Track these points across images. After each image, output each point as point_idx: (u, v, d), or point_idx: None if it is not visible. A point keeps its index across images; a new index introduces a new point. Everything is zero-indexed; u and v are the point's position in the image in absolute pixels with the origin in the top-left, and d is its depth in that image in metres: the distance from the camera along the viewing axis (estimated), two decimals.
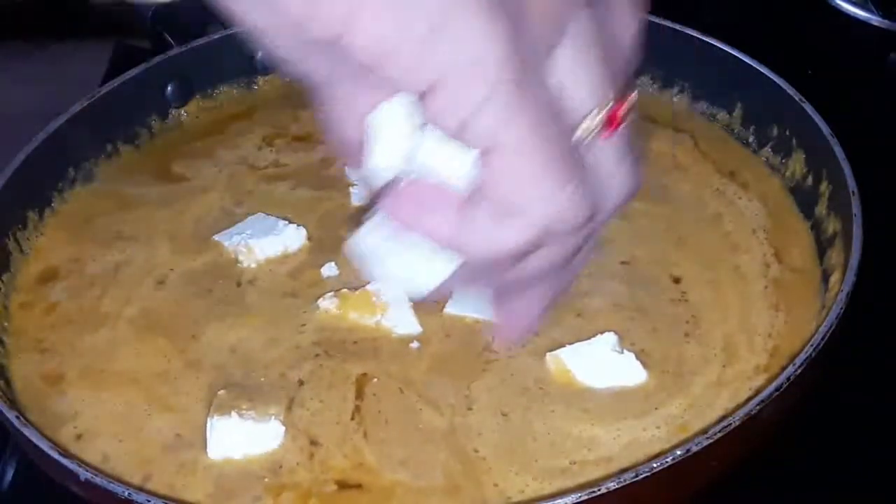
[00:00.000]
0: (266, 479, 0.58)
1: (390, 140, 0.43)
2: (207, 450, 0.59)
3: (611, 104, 0.44)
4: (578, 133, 0.43)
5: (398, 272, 0.47)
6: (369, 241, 0.46)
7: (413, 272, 0.46)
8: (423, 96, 0.41)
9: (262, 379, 0.63)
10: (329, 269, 0.70)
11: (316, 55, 0.42)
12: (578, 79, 0.43)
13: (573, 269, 0.49)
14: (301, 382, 0.63)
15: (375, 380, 0.63)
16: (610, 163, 0.45)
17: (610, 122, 0.44)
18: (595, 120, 0.43)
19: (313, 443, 0.59)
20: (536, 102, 0.41)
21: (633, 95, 0.45)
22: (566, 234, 0.44)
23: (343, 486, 0.57)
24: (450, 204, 0.43)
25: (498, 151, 0.41)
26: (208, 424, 0.59)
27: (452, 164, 0.43)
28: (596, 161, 0.44)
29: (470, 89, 0.40)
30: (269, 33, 0.42)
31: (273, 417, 0.60)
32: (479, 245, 0.43)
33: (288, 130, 0.85)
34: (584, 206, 0.43)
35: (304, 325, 0.67)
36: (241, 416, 0.59)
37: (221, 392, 0.61)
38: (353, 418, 0.61)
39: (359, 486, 0.57)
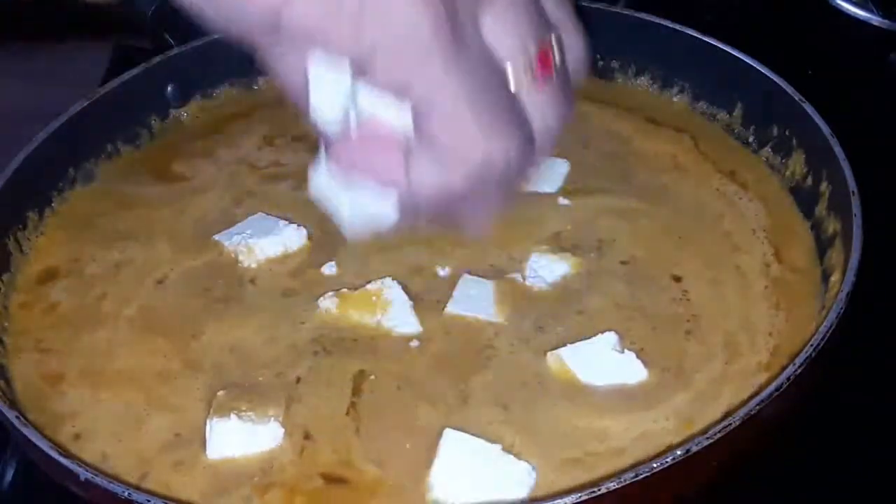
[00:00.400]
0: (256, 479, 0.58)
1: (328, 92, 0.47)
2: (206, 451, 0.59)
3: (534, 55, 0.48)
4: (512, 85, 0.47)
5: (352, 211, 0.50)
6: (324, 183, 0.51)
7: (365, 210, 0.50)
8: (361, 64, 0.45)
9: (261, 378, 0.63)
10: (329, 269, 0.70)
11: (253, 28, 0.46)
12: (501, 35, 0.46)
13: (517, 185, 0.53)
14: (298, 379, 0.63)
15: (373, 377, 0.63)
16: (546, 103, 0.49)
17: (542, 69, 0.48)
18: (522, 71, 0.47)
19: (307, 437, 0.59)
20: (469, 63, 0.45)
21: (553, 41, 0.49)
22: (505, 173, 0.48)
23: (329, 480, 0.57)
24: (396, 149, 0.47)
25: (436, 111, 0.45)
26: (207, 426, 0.59)
27: (391, 113, 0.46)
28: (533, 103, 0.48)
29: (404, 57, 0.44)
30: (205, 12, 0.46)
31: (272, 419, 0.60)
32: (426, 187, 0.47)
33: (288, 130, 0.85)
34: (520, 150, 0.48)
35: (303, 323, 0.67)
36: (240, 417, 0.59)
37: (221, 393, 0.61)
38: (347, 414, 0.61)
39: (344, 482, 0.57)
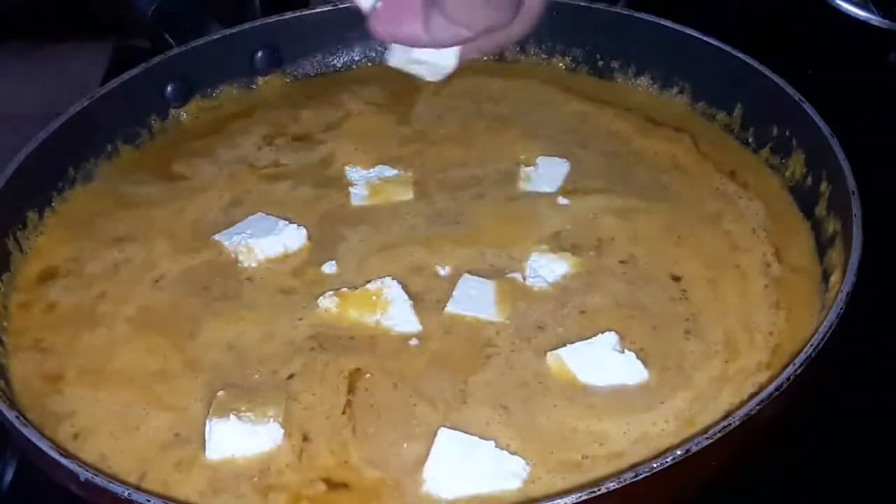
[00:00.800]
0: (255, 479, 0.58)
1: None
2: (206, 451, 0.59)
3: None
4: None
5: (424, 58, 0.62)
6: (394, 53, 0.62)
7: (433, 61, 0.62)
8: None
9: (258, 376, 0.63)
10: (329, 268, 0.70)
11: None
12: None
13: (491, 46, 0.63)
14: (293, 376, 0.63)
15: (369, 375, 0.63)
16: None
17: None
18: None
19: (305, 438, 0.59)
20: None
21: None
22: (490, 30, 0.60)
23: (331, 486, 0.57)
24: (415, 15, 0.57)
25: None
26: (207, 427, 0.59)
27: None
28: None
29: None
30: None
31: (272, 420, 0.59)
32: (444, 41, 0.59)
33: (287, 130, 0.85)
34: (499, 17, 0.59)
35: (301, 319, 0.67)
36: (239, 418, 0.59)
37: (220, 393, 0.61)
38: (343, 413, 0.61)
39: (345, 486, 0.57)
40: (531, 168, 0.77)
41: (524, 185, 0.76)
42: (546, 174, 0.76)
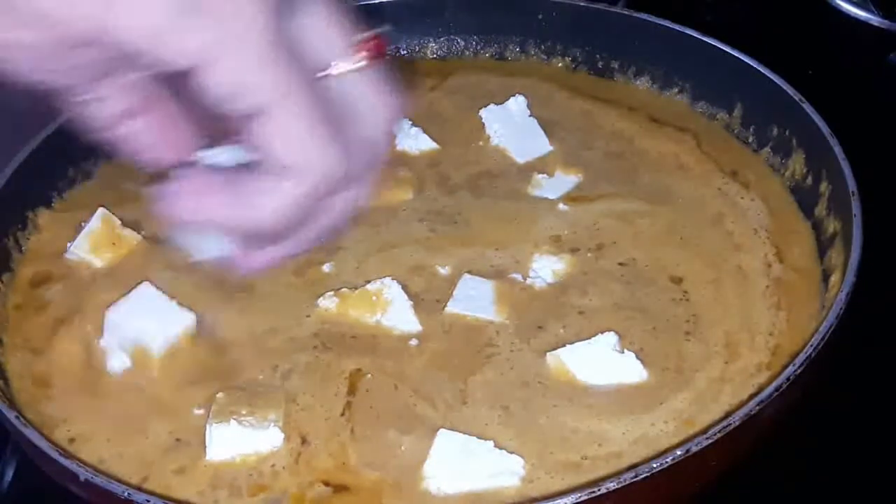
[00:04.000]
0: (256, 482, 0.58)
1: None
2: (206, 455, 0.59)
3: (350, 52, 0.47)
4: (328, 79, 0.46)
5: (200, 246, 0.52)
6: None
7: (208, 244, 0.51)
8: (194, 73, 0.42)
9: (261, 377, 0.63)
10: (329, 268, 0.70)
11: (63, 60, 0.43)
12: (316, 35, 0.45)
13: (337, 216, 0.50)
14: (293, 376, 0.63)
15: (369, 376, 0.63)
16: (367, 104, 0.48)
17: (375, 50, 0.47)
18: (338, 67, 0.46)
19: (304, 441, 0.59)
20: (295, 64, 0.44)
21: (368, 38, 0.47)
22: (335, 185, 0.46)
23: (333, 488, 0.57)
24: (220, 188, 0.46)
25: (272, 114, 0.43)
26: (207, 431, 0.59)
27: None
28: (355, 106, 0.47)
29: (238, 60, 0.42)
30: (10, 43, 0.42)
31: (272, 423, 0.59)
32: (256, 213, 0.46)
33: None
34: (347, 160, 0.46)
35: (302, 322, 0.67)
36: (239, 422, 0.59)
37: (220, 395, 0.61)
38: (343, 414, 0.61)
39: (346, 489, 0.57)
40: (543, 176, 0.77)
41: (532, 190, 0.76)
42: (557, 184, 0.76)
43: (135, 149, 0.50)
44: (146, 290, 0.66)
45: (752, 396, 0.59)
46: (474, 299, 0.67)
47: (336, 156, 0.45)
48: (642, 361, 0.62)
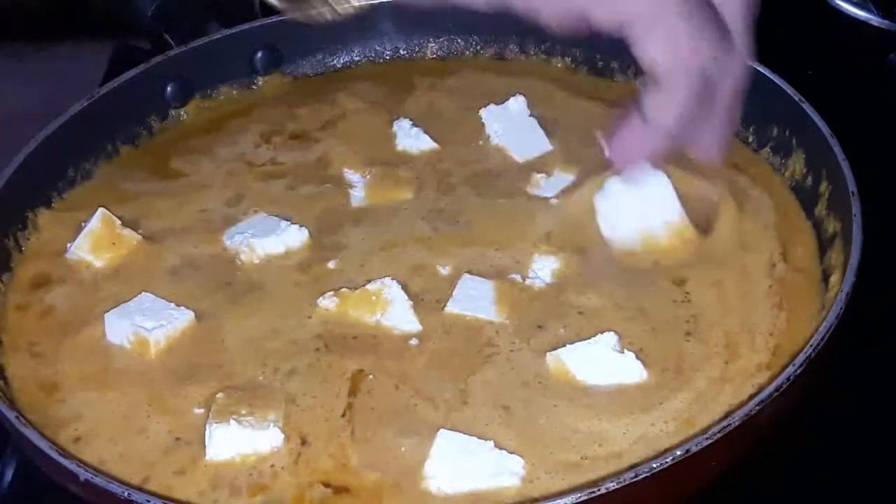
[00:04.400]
0: (256, 483, 0.58)
1: None
2: (206, 455, 0.59)
3: None
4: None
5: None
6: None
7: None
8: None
9: (261, 377, 0.63)
10: (333, 265, 0.70)
11: None
12: None
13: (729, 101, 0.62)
14: (295, 377, 0.63)
15: (371, 376, 0.63)
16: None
17: None
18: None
19: (304, 441, 0.59)
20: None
21: None
22: (713, 75, 0.57)
23: (333, 490, 0.57)
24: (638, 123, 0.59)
25: (647, 22, 0.55)
26: (207, 431, 0.59)
27: None
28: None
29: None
30: None
31: (272, 424, 0.59)
32: (663, 121, 0.58)
33: (285, 128, 0.85)
34: (725, 52, 0.58)
35: (304, 322, 0.67)
36: (239, 423, 0.59)
37: (220, 395, 0.61)
38: (343, 415, 0.61)
39: (346, 490, 0.57)
40: (542, 175, 0.77)
41: (531, 190, 0.76)
42: (557, 183, 0.76)
43: None
44: (145, 297, 0.67)
45: (752, 396, 0.59)
46: (474, 299, 0.67)
47: (710, 53, 0.56)
48: (642, 361, 0.62)
